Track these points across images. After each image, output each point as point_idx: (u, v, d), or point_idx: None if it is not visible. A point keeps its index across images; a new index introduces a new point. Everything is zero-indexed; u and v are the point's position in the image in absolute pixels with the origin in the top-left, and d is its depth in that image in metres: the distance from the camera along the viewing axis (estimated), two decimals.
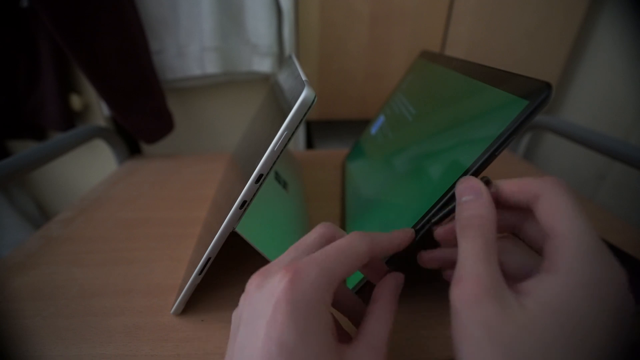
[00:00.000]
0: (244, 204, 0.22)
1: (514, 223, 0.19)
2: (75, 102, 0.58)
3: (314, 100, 0.20)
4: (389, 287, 0.19)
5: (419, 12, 0.63)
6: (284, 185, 0.37)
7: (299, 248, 0.18)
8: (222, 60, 0.60)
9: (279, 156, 0.21)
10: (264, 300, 0.14)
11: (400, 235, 0.20)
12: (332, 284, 0.15)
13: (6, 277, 0.31)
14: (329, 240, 0.18)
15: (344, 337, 0.19)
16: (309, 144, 0.81)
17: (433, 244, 0.21)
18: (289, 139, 0.21)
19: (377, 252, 0.18)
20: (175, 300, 0.26)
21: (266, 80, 0.67)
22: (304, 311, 0.14)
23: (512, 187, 0.18)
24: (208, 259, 0.24)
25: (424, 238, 0.22)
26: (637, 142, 0.59)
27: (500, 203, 0.18)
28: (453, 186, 0.20)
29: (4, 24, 0.53)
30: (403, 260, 0.22)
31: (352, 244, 0.17)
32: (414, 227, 0.22)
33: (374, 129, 0.45)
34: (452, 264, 0.17)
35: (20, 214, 0.72)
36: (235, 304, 0.17)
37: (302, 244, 0.18)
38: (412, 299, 0.28)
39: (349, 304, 0.20)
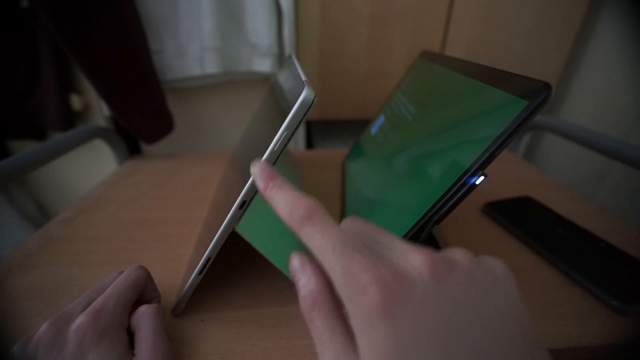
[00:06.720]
0: (244, 204, 0.22)
1: None
2: (75, 102, 0.58)
3: (314, 101, 0.20)
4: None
5: (419, 12, 0.63)
6: None
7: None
8: (222, 60, 0.60)
9: (279, 156, 0.21)
10: None
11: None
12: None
13: (6, 277, 0.31)
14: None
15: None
16: (309, 144, 0.81)
17: (433, 243, 0.21)
18: (289, 139, 0.21)
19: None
20: (175, 300, 0.26)
21: (266, 80, 0.67)
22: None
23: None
24: (208, 259, 0.24)
25: (424, 238, 0.22)
26: (637, 142, 0.59)
27: None
28: (453, 186, 0.20)
29: (4, 24, 0.53)
30: None
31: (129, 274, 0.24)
32: (414, 226, 0.22)
33: (374, 129, 0.45)
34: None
35: (20, 214, 0.72)
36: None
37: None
38: None
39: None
